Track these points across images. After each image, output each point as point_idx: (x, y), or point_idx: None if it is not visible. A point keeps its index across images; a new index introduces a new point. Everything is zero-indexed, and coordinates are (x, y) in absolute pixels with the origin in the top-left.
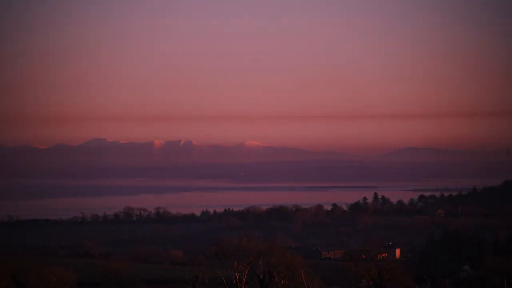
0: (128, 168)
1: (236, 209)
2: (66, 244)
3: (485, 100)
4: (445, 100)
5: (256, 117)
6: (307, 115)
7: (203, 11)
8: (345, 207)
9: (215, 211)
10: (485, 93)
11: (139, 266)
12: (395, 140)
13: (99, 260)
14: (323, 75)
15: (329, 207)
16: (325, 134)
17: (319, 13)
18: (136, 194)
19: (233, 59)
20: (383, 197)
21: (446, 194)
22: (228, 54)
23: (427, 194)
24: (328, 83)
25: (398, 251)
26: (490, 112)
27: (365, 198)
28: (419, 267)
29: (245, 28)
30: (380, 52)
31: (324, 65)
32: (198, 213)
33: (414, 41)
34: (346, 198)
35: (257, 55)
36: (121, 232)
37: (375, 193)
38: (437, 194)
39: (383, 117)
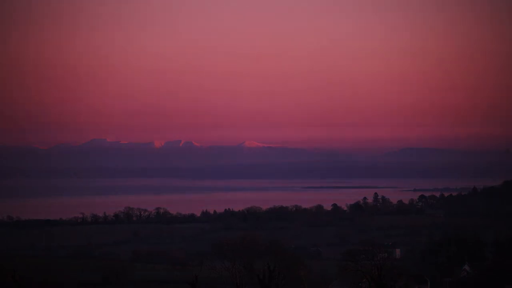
0: (128, 168)
1: (236, 209)
2: (66, 244)
3: (485, 101)
4: (445, 101)
5: (256, 118)
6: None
7: (204, 11)
8: (345, 207)
9: (215, 211)
10: (485, 94)
11: (139, 266)
12: (395, 140)
13: (99, 260)
14: (324, 76)
15: (329, 207)
16: (325, 134)
17: (321, 16)
18: (136, 194)
19: (233, 59)
20: (383, 197)
21: (446, 194)
22: (228, 54)
23: (427, 194)
24: (328, 87)
25: (398, 251)
26: (490, 113)
27: (365, 198)
28: (419, 267)
29: (247, 28)
30: (381, 55)
31: (325, 66)
32: (198, 213)
33: (414, 44)
34: (346, 198)
35: (258, 55)
36: (121, 232)
37: (375, 193)
38: (437, 194)
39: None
